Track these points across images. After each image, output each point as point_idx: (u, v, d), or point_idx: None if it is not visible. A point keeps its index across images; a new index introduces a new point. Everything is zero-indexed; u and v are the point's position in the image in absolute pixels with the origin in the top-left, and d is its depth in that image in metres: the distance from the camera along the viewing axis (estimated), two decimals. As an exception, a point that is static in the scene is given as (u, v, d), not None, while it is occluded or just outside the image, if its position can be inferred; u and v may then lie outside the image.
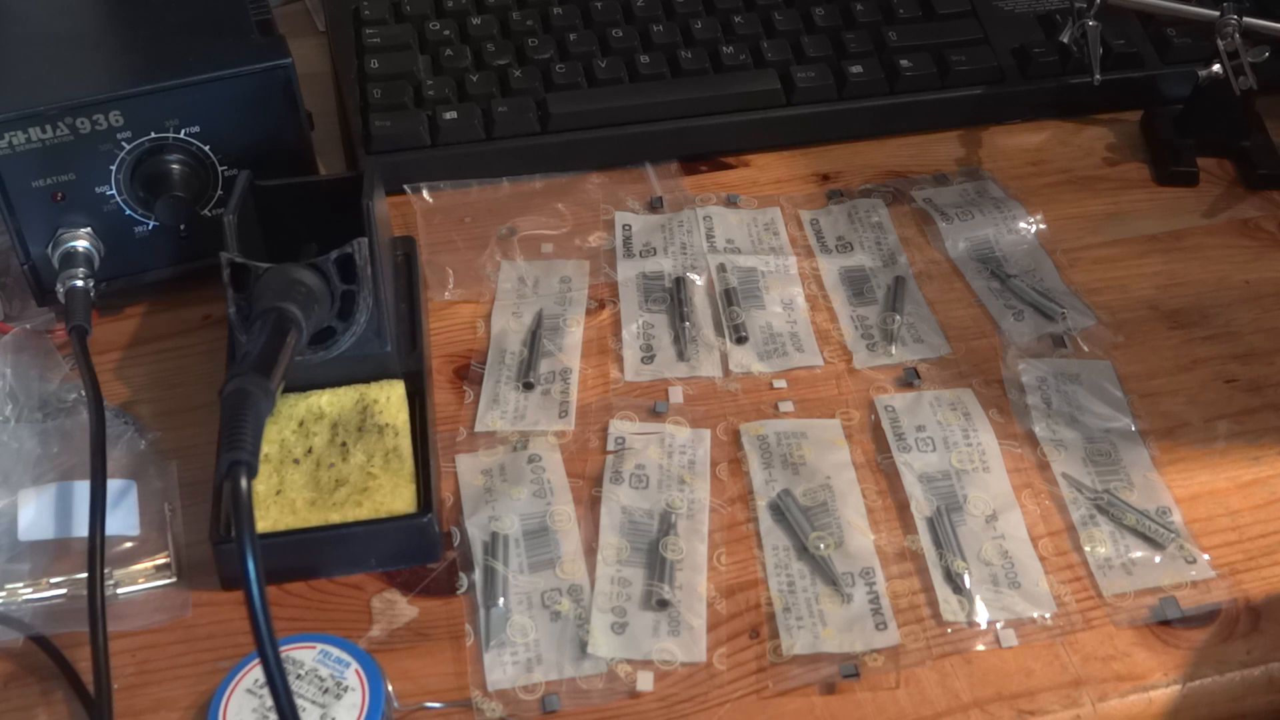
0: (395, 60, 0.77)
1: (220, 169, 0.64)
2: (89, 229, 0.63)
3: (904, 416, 0.61)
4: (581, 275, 0.69)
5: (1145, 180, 0.75)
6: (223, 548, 0.54)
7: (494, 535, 0.56)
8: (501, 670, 0.52)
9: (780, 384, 0.63)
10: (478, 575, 0.55)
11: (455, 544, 0.56)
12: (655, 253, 0.70)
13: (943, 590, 0.54)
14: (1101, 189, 0.74)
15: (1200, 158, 0.74)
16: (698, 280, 0.68)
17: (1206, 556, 0.55)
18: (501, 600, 0.54)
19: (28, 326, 0.65)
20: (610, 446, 0.60)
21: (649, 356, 0.64)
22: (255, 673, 0.50)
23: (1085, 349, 0.64)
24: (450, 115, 0.74)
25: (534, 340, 0.65)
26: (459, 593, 0.55)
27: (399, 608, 0.54)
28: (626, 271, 0.69)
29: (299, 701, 0.48)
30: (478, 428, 0.61)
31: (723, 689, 0.51)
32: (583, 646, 0.52)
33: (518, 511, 0.57)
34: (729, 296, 0.67)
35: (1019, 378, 0.62)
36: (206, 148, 0.63)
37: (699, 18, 0.79)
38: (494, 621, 0.53)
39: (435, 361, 0.64)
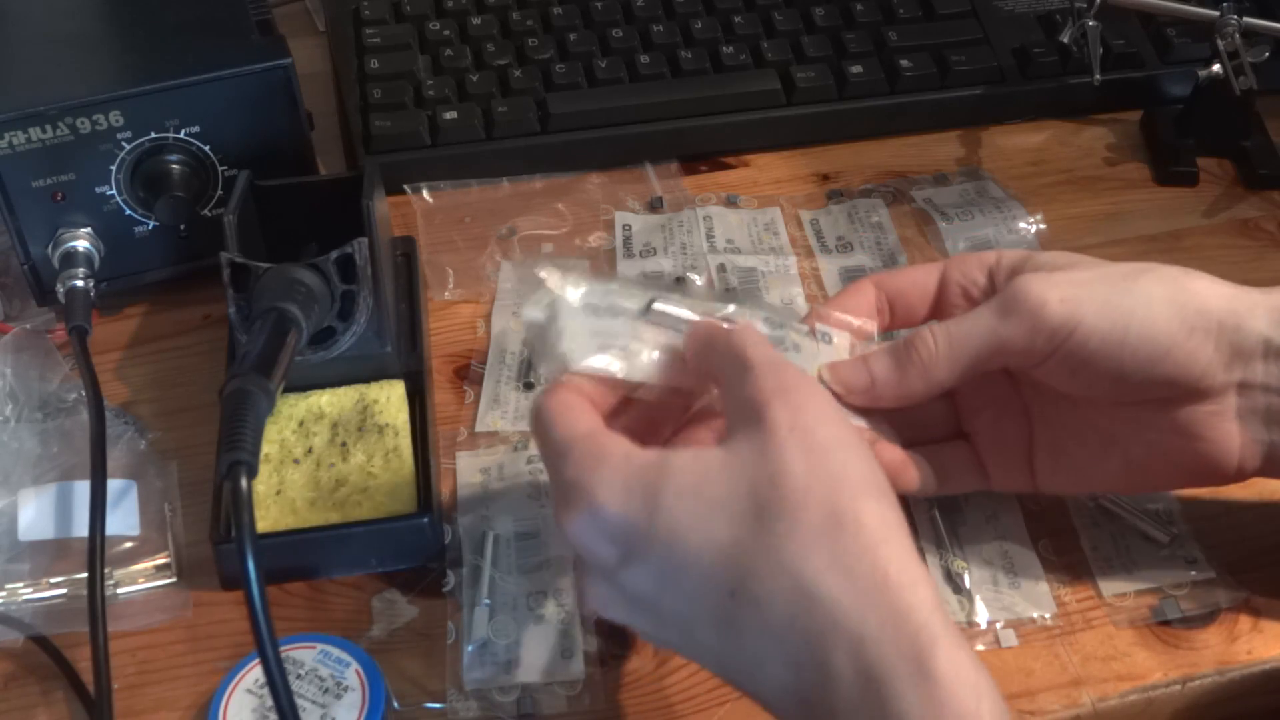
0: (395, 60, 0.76)
1: (220, 169, 0.64)
2: (89, 229, 0.63)
3: (904, 416, 0.61)
4: (581, 275, 0.69)
5: (1145, 180, 0.75)
6: (223, 548, 0.54)
7: (484, 535, 0.56)
8: (480, 669, 0.51)
9: (780, 384, 0.63)
10: (464, 573, 0.55)
11: (446, 540, 0.56)
12: (655, 253, 0.70)
13: (942, 590, 0.54)
14: (1101, 189, 0.74)
15: (1200, 158, 0.74)
16: (698, 280, 0.68)
17: (1206, 556, 0.55)
18: (486, 600, 0.54)
19: (28, 326, 0.65)
20: None
21: (649, 356, 0.64)
22: (255, 673, 0.50)
23: (1085, 349, 0.64)
24: (450, 115, 0.74)
25: (534, 340, 0.65)
26: (444, 589, 0.54)
27: (399, 608, 0.54)
28: (626, 271, 0.69)
29: (299, 701, 0.47)
30: (478, 428, 0.61)
31: (721, 689, 0.51)
32: (565, 650, 0.52)
33: (511, 513, 0.57)
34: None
35: (1019, 378, 0.62)
36: (206, 148, 0.63)
37: (699, 18, 0.79)
38: (476, 620, 0.53)
39: (435, 361, 0.64)
